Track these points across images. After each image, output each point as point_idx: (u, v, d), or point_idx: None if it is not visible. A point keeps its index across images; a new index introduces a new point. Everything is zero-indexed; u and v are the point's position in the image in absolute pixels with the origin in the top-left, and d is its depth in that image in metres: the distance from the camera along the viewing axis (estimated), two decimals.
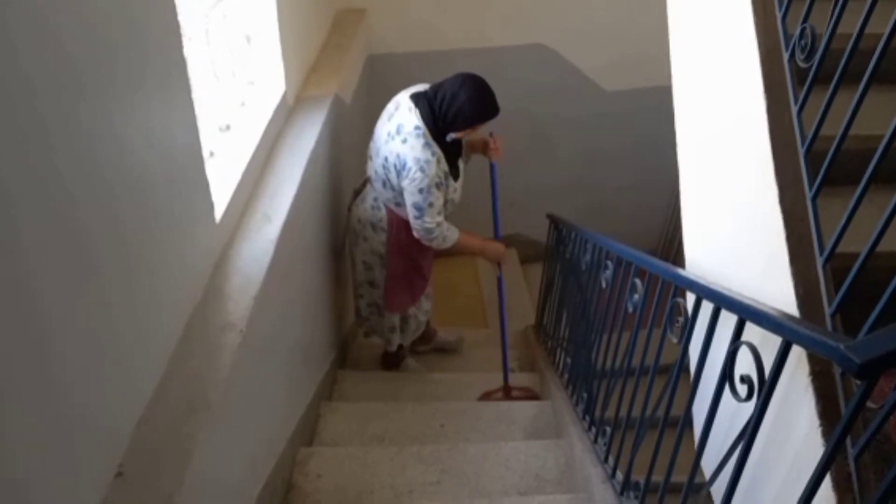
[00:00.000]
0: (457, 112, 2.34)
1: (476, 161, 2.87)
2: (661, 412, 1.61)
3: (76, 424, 1.03)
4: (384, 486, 2.25)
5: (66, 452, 1.00)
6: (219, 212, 1.67)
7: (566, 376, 2.78)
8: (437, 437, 2.63)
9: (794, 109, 1.38)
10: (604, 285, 2.18)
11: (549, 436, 2.65)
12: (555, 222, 3.28)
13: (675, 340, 1.52)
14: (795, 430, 1.16)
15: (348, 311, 3.30)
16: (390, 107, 2.50)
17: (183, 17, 1.39)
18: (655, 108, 3.36)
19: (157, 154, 1.29)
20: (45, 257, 0.92)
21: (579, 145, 4.66)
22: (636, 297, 1.79)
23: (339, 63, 3.06)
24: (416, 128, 2.37)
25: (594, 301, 2.40)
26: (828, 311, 1.19)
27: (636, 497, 1.77)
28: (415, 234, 2.53)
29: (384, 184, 2.53)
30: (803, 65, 1.32)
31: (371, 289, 2.90)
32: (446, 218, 2.56)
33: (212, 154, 1.72)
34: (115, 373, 1.16)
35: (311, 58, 2.97)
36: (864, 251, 1.07)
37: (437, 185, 2.40)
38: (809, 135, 1.31)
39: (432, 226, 2.46)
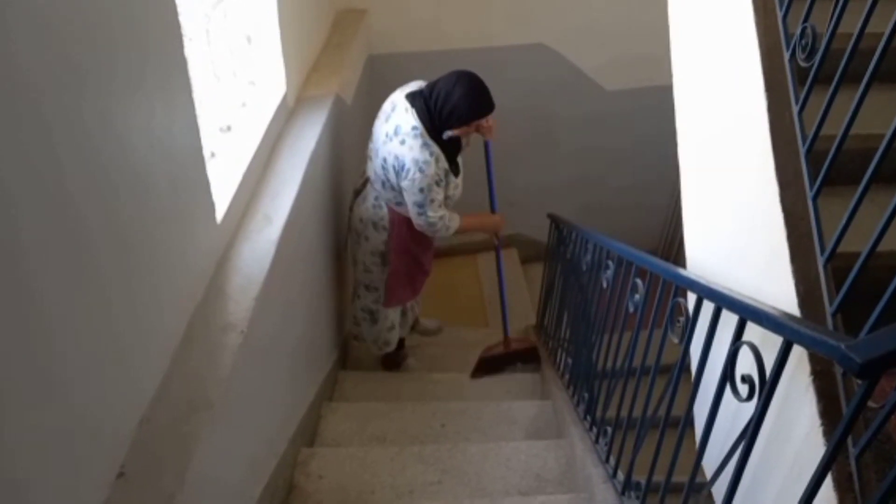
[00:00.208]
0: (452, 110, 2.36)
1: (473, 145, 2.88)
2: (662, 412, 1.61)
3: (77, 425, 1.03)
4: (385, 486, 2.25)
5: (68, 453, 1.01)
6: (220, 212, 1.67)
7: (567, 376, 2.78)
8: (438, 437, 2.63)
9: (795, 109, 1.38)
10: (605, 285, 2.18)
11: (550, 436, 2.65)
12: (555, 222, 3.28)
13: (675, 340, 1.52)
14: (796, 429, 1.16)
15: (348, 311, 3.31)
16: (387, 107, 2.51)
17: (183, 18, 1.39)
18: (656, 107, 3.36)
19: (158, 154, 1.29)
20: (45, 257, 0.92)
21: (580, 145, 4.66)
22: (637, 297, 1.79)
23: (340, 63, 3.06)
24: (414, 128, 2.38)
25: (595, 301, 2.40)
26: (829, 310, 1.19)
27: (637, 497, 1.77)
28: (418, 227, 2.57)
29: (384, 184, 2.55)
30: (804, 64, 1.32)
31: (367, 292, 2.91)
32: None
33: (213, 154, 1.72)
34: (116, 373, 1.16)
35: (312, 58, 2.98)
36: (864, 251, 1.07)
37: (437, 183, 2.44)
38: (810, 134, 1.31)
39: (435, 219, 2.51)
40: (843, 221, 1.14)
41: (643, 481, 1.73)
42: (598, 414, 2.21)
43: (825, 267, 1.23)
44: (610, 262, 2.13)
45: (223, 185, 1.74)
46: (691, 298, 1.47)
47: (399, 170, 2.42)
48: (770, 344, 1.12)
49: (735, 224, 1.60)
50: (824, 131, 1.26)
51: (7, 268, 0.84)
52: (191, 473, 1.21)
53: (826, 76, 1.25)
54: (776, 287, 1.28)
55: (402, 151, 2.39)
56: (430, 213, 2.48)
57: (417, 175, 2.38)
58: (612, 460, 2.01)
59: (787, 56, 1.43)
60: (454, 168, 2.56)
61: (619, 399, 1.99)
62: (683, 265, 1.80)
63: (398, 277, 2.83)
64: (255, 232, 1.83)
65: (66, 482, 1.01)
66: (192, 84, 1.45)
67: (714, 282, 1.37)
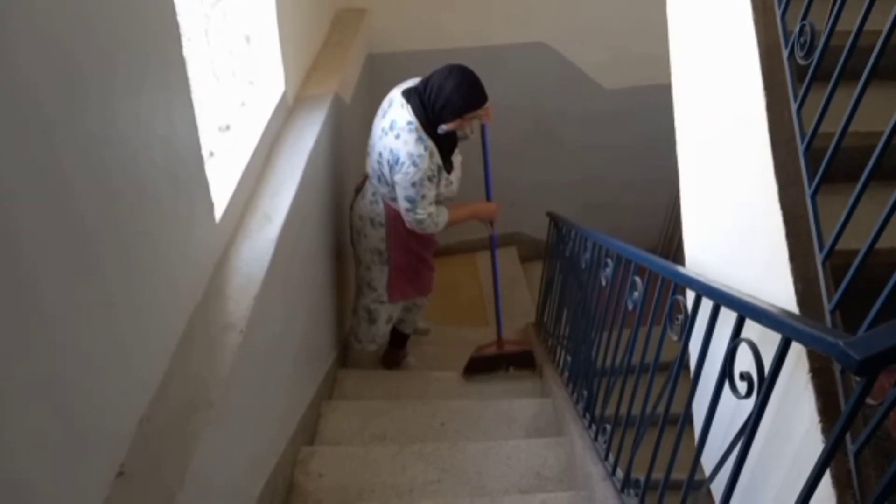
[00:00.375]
0: (445, 103, 2.38)
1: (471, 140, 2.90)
2: (661, 410, 1.61)
3: (77, 424, 1.03)
4: (385, 484, 2.25)
5: (67, 452, 1.01)
6: (219, 211, 1.67)
7: (566, 374, 2.78)
8: (438, 436, 2.63)
9: (794, 107, 1.38)
10: (604, 283, 2.18)
11: (550, 434, 2.65)
12: (555, 221, 3.28)
13: (674, 338, 1.52)
14: (795, 426, 1.16)
15: (349, 309, 3.31)
16: (384, 104, 2.54)
17: (182, 17, 1.39)
18: (655, 105, 3.36)
19: (157, 154, 1.29)
20: (45, 256, 0.92)
21: (579, 143, 4.66)
22: (636, 294, 1.79)
23: (339, 62, 3.06)
24: (409, 123, 2.41)
25: (594, 299, 2.41)
26: (827, 307, 1.19)
27: (636, 494, 1.78)
28: (407, 224, 2.58)
29: (380, 179, 2.57)
30: (803, 62, 1.32)
31: (369, 290, 2.92)
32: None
33: (212, 154, 1.72)
34: (115, 372, 1.16)
35: (311, 57, 2.97)
36: (863, 248, 1.07)
37: (430, 178, 2.45)
38: (809, 132, 1.31)
39: (423, 216, 2.51)
40: (842, 219, 1.14)
41: (642, 479, 1.74)
42: (598, 411, 2.21)
43: (824, 264, 1.23)
44: (609, 260, 2.13)
45: (222, 185, 1.74)
46: (690, 296, 1.47)
47: (394, 164, 2.44)
48: (769, 341, 1.12)
49: (734, 222, 1.60)
50: (823, 129, 1.26)
51: (7, 267, 0.84)
52: (191, 472, 1.21)
53: (825, 74, 1.25)
54: (775, 284, 1.28)
55: (397, 145, 2.42)
56: (419, 210, 2.49)
57: (411, 169, 2.40)
58: (612, 458, 2.01)
59: (785, 54, 1.43)
60: (448, 165, 2.58)
61: (618, 396, 1.99)
62: (683, 263, 1.81)
63: (401, 272, 2.83)
64: (254, 231, 1.83)
65: (65, 481, 1.01)
66: (190, 84, 1.45)
67: (713, 279, 1.37)
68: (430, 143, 2.44)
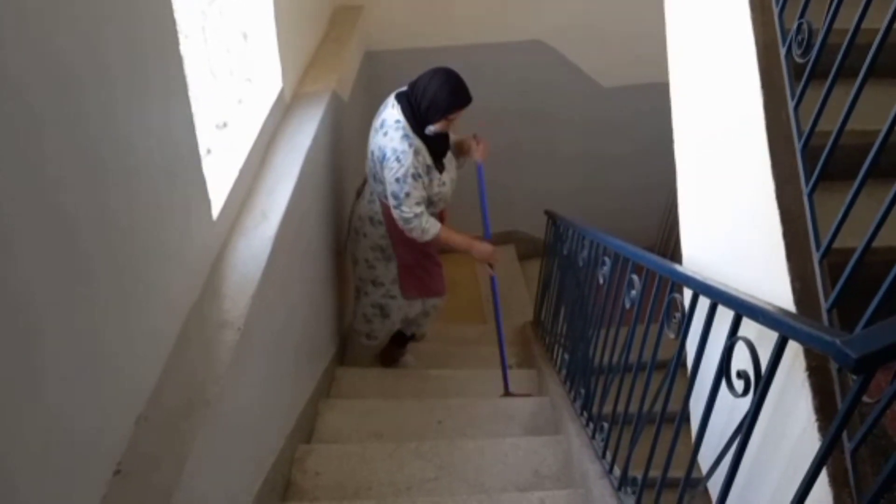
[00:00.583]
0: (430, 103, 2.46)
1: (467, 165, 2.94)
2: (658, 408, 1.61)
3: (74, 422, 1.03)
4: (382, 482, 2.25)
5: (64, 450, 1.00)
6: (216, 209, 1.67)
7: (564, 372, 2.78)
8: (436, 434, 2.63)
9: (791, 105, 1.38)
10: (601, 281, 2.18)
11: (548, 432, 2.65)
12: (552, 219, 3.28)
13: (672, 336, 1.52)
14: (792, 425, 1.17)
15: (348, 308, 3.31)
16: (381, 106, 2.62)
17: (179, 15, 1.38)
18: (653, 104, 3.36)
19: (154, 151, 1.29)
20: (41, 255, 0.92)
21: (576, 141, 4.66)
22: (633, 292, 1.79)
23: (337, 60, 3.05)
24: (397, 121, 2.49)
25: (592, 297, 2.41)
26: (824, 306, 1.19)
27: (633, 492, 1.78)
28: (397, 222, 2.60)
29: (374, 177, 2.64)
30: (800, 60, 1.32)
31: (375, 288, 2.93)
32: (433, 214, 2.64)
33: (209, 151, 1.71)
34: (112, 370, 1.16)
35: (309, 54, 2.97)
36: (860, 246, 1.07)
37: (415, 176, 2.49)
38: (806, 130, 1.31)
39: (410, 215, 2.53)
40: (839, 217, 1.14)
41: (639, 477, 1.74)
42: (595, 410, 2.21)
43: (821, 263, 1.23)
44: (606, 259, 2.13)
45: (219, 182, 1.74)
46: (687, 294, 1.47)
47: (381, 160, 2.52)
48: (766, 340, 1.12)
49: (731, 220, 1.60)
50: (821, 127, 1.26)
51: (7, 266, 0.84)
52: (188, 471, 1.21)
53: (822, 72, 1.25)
54: (772, 283, 1.29)
55: (384, 142, 2.50)
56: (404, 208, 2.52)
57: (395, 164, 2.47)
58: (609, 456, 2.01)
59: (783, 52, 1.43)
60: (439, 166, 2.61)
61: (615, 394, 1.99)
62: (680, 261, 1.81)
63: (409, 269, 2.86)
64: (251, 228, 1.83)
65: (63, 480, 1.01)
66: (188, 81, 1.44)
67: (710, 277, 1.37)
68: (417, 142, 2.50)
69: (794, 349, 1.14)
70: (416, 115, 2.49)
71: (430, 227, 2.58)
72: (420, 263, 2.87)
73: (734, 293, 1.23)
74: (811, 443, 1.08)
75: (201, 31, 1.77)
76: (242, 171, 1.92)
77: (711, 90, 1.76)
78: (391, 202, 2.55)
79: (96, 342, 1.09)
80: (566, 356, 2.81)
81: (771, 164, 1.35)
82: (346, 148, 3.12)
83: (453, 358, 3.56)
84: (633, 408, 1.81)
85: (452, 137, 2.78)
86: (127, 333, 1.21)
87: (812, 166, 1.28)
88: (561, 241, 3.01)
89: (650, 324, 1.74)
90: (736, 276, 1.42)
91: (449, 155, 2.71)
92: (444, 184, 2.64)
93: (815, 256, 1.24)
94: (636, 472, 1.78)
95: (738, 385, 1.19)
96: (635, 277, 1.79)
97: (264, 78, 2.30)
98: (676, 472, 1.48)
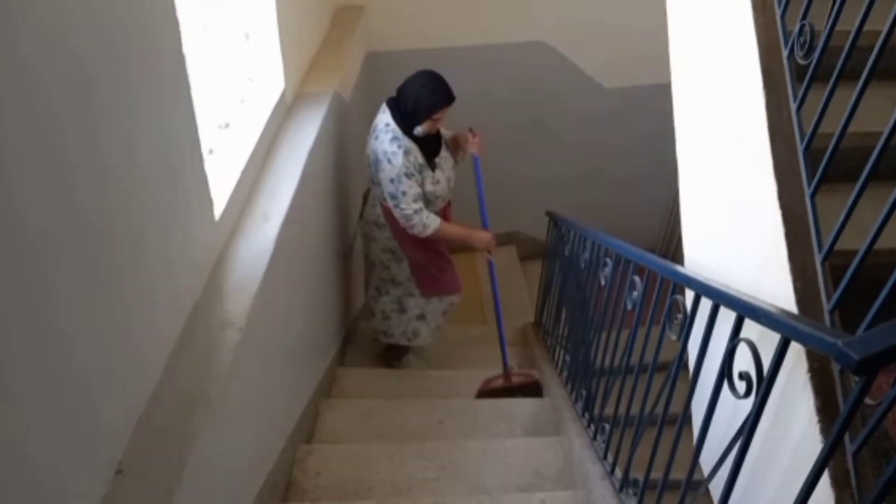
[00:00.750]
0: (415, 104, 2.55)
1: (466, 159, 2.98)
2: (659, 409, 1.61)
3: (76, 422, 1.03)
4: (383, 482, 2.25)
5: (67, 450, 1.01)
6: (218, 209, 1.67)
7: (565, 373, 2.78)
8: (437, 434, 2.63)
9: (793, 106, 1.38)
10: (603, 283, 2.18)
11: (549, 433, 2.65)
12: (554, 220, 3.28)
13: (673, 337, 1.52)
14: (794, 426, 1.16)
15: (350, 308, 3.31)
16: (378, 112, 2.69)
17: (182, 14, 1.39)
18: (654, 105, 3.36)
19: (156, 151, 1.29)
20: (49, 253, 0.92)
21: (578, 142, 4.66)
22: (635, 294, 1.79)
23: (338, 60, 3.05)
24: (387, 125, 2.59)
25: (593, 298, 2.41)
26: (826, 307, 1.19)
27: (635, 494, 1.77)
28: (399, 221, 2.67)
29: (373, 181, 2.71)
30: (802, 62, 1.32)
31: (394, 286, 3.01)
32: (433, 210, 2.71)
33: (211, 151, 1.71)
34: (115, 369, 1.16)
35: (310, 55, 2.97)
36: (862, 248, 1.07)
37: (408, 175, 2.57)
38: (808, 132, 1.31)
39: (409, 212, 2.61)
40: (841, 219, 1.14)
41: (641, 478, 1.74)
42: (596, 411, 2.21)
43: (823, 264, 1.23)
44: (608, 260, 2.13)
45: (221, 182, 1.74)
46: (689, 296, 1.47)
47: (374, 163, 2.61)
48: (768, 341, 1.12)
49: (733, 221, 1.60)
50: (822, 129, 1.26)
51: (12, 263, 0.84)
52: (189, 470, 1.21)
53: (824, 73, 1.25)
54: (774, 284, 1.28)
55: (375, 146, 2.60)
56: (403, 206, 2.60)
57: (387, 166, 2.56)
58: (610, 457, 2.01)
59: (785, 53, 1.43)
60: (432, 164, 2.68)
61: (616, 396, 1.99)
62: (682, 263, 1.80)
63: (422, 268, 2.92)
64: (253, 229, 1.83)
65: (65, 479, 1.01)
66: (190, 81, 1.45)
67: (712, 279, 1.37)
68: (407, 143, 2.57)
69: (795, 350, 1.14)
70: (405, 117, 2.58)
71: (430, 223, 2.65)
72: (432, 261, 2.93)
73: (736, 294, 1.23)
74: (813, 444, 1.08)
75: (204, 30, 1.77)
76: (244, 172, 1.92)
77: (713, 91, 1.76)
78: (390, 202, 2.63)
79: (101, 341, 1.09)
80: (567, 357, 2.81)
81: (773, 165, 1.35)
82: (349, 148, 3.12)
83: (454, 358, 3.55)
84: (635, 409, 1.81)
85: (447, 134, 2.85)
86: (130, 332, 1.21)
87: (814, 168, 1.28)
88: (562, 242, 3.01)
89: (652, 325, 1.74)
90: (738, 278, 1.42)
91: (443, 153, 2.77)
92: (437, 182, 2.71)
93: (818, 258, 1.24)
94: (638, 474, 1.78)
95: (740, 386, 1.19)
96: (637, 279, 1.79)
97: (266, 78, 2.30)
98: (678, 474, 1.48)
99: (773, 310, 1.11)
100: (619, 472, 1.93)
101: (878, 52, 1.08)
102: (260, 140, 2.10)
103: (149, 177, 1.26)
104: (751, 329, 1.17)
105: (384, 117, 2.61)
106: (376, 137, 2.60)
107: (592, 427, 2.23)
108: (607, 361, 2.13)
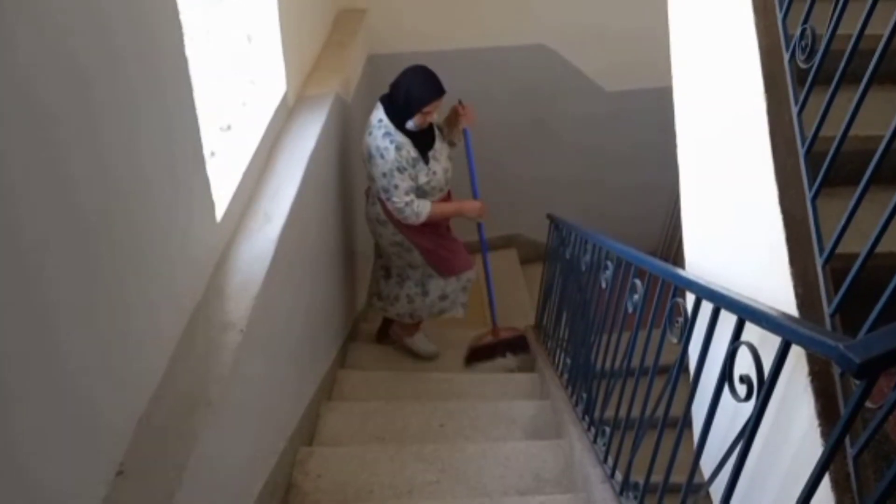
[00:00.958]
0: (406, 98, 2.60)
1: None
2: (660, 412, 1.61)
3: (77, 423, 1.03)
4: (384, 485, 2.25)
5: (67, 451, 1.01)
6: (220, 211, 1.67)
7: (566, 376, 2.78)
8: (437, 437, 2.63)
9: (795, 110, 1.38)
10: (603, 285, 2.18)
11: (549, 436, 2.65)
12: (555, 223, 3.29)
13: (674, 340, 1.52)
14: (794, 429, 1.16)
15: (352, 309, 3.32)
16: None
17: (184, 16, 1.39)
18: (656, 108, 3.36)
19: (157, 153, 1.29)
20: (48, 254, 0.93)
21: (579, 145, 4.66)
22: (636, 297, 1.79)
23: (340, 63, 3.06)
24: (379, 120, 2.65)
25: (594, 301, 2.41)
26: (827, 311, 1.19)
27: (635, 497, 1.77)
28: (392, 213, 2.74)
29: (369, 176, 2.76)
30: (803, 65, 1.32)
31: (413, 270, 3.08)
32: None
33: (213, 154, 1.72)
34: (115, 370, 1.16)
35: (313, 57, 2.98)
36: (863, 251, 1.07)
37: (399, 169, 2.63)
38: (809, 135, 1.31)
39: (401, 205, 2.68)
40: (842, 222, 1.14)
41: (641, 481, 1.74)
42: (597, 414, 2.21)
43: (824, 268, 1.23)
44: (609, 263, 2.13)
45: (223, 184, 1.74)
46: (690, 299, 1.47)
47: (368, 159, 2.67)
48: (768, 344, 1.12)
49: (734, 225, 1.60)
50: (823, 132, 1.27)
51: (11, 264, 0.84)
52: (190, 471, 1.21)
53: (825, 77, 1.25)
54: (775, 287, 1.29)
55: (369, 141, 2.66)
56: (395, 199, 2.67)
57: (379, 161, 2.62)
58: (611, 460, 2.01)
59: (786, 57, 1.43)
60: (425, 158, 2.73)
61: (617, 399, 1.99)
62: (683, 266, 1.81)
63: (433, 253, 2.98)
64: (254, 230, 1.83)
65: (66, 480, 1.01)
66: (192, 83, 1.45)
67: (712, 282, 1.37)
68: (400, 138, 2.63)
69: (796, 354, 1.14)
70: (397, 112, 2.63)
71: (421, 211, 2.73)
72: (440, 245, 2.99)
73: (737, 298, 1.23)
74: (813, 448, 1.08)
75: (206, 32, 1.77)
76: (246, 174, 1.92)
77: (714, 95, 1.76)
78: (383, 196, 2.71)
79: (101, 341, 1.10)
80: (568, 360, 2.81)
81: (774, 168, 1.35)
82: (350, 150, 3.12)
83: (455, 361, 3.55)
84: (636, 412, 1.81)
85: (438, 120, 2.89)
86: (131, 333, 1.21)
87: (815, 171, 1.28)
88: (563, 244, 3.01)
89: (652, 328, 1.74)
90: (738, 281, 1.42)
91: (438, 145, 2.81)
92: (434, 173, 2.76)
93: (818, 261, 1.24)
94: (638, 477, 1.78)
95: (741, 390, 1.19)
96: (638, 282, 1.79)
97: (268, 80, 2.30)
98: (678, 477, 1.48)
99: (773, 313, 1.11)
100: (619, 476, 1.93)
101: (879, 56, 1.08)
102: (262, 142, 2.10)
103: (150, 178, 1.26)
104: (752, 332, 1.17)
105: (377, 113, 2.66)
106: (370, 133, 2.66)
107: (593, 430, 2.23)
108: (608, 364, 2.13)
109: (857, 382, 0.90)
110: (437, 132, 2.84)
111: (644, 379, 1.75)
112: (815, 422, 1.10)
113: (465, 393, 3.10)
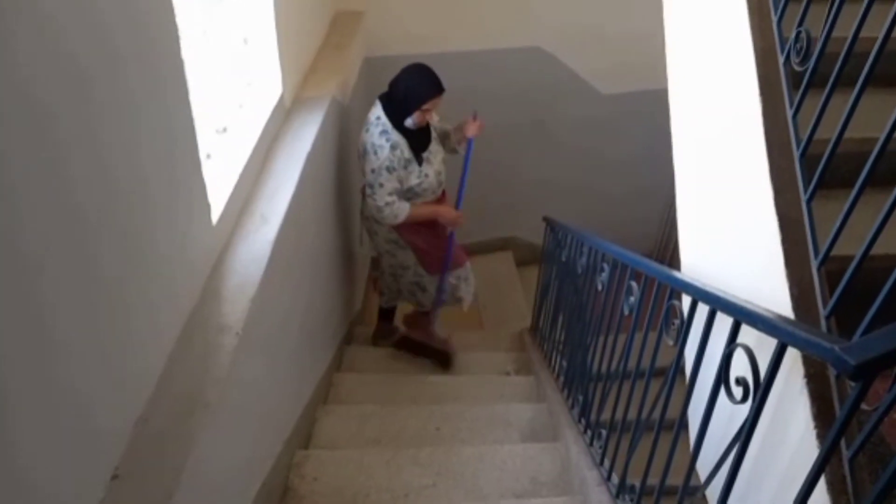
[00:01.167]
0: (404, 96, 2.61)
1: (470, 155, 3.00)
2: (656, 415, 1.61)
3: (73, 426, 1.03)
4: (380, 488, 2.24)
5: (63, 454, 1.00)
6: (216, 213, 1.67)
7: (562, 379, 2.78)
8: (434, 440, 2.62)
9: (790, 112, 1.38)
10: (600, 288, 2.18)
11: (546, 438, 2.65)
12: (551, 225, 3.29)
13: (670, 343, 1.52)
14: (790, 432, 1.17)
15: (349, 312, 3.31)
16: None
17: (181, 19, 1.39)
18: (651, 111, 3.37)
19: (154, 155, 1.29)
20: (46, 256, 0.92)
21: (576, 147, 4.67)
22: (632, 299, 1.79)
23: (337, 65, 3.06)
24: (377, 118, 2.66)
25: (590, 304, 2.41)
26: (823, 313, 1.20)
27: (632, 500, 1.77)
28: (371, 211, 2.74)
29: (363, 172, 2.76)
30: (798, 68, 1.32)
31: (405, 270, 3.10)
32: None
33: (209, 156, 1.71)
34: (112, 373, 1.15)
35: (309, 59, 2.98)
36: (858, 254, 1.07)
37: (388, 169, 2.63)
38: (804, 138, 1.31)
39: (381, 204, 2.68)
40: (837, 225, 1.15)
41: (638, 484, 1.74)
42: (593, 417, 2.21)
43: (819, 270, 1.23)
44: (605, 265, 2.13)
45: (219, 186, 1.74)
46: (686, 301, 1.47)
47: (362, 154, 2.68)
48: (764, 346, 1.12)
49: (730, 227, 1.60)
50: (819, 135, 1.27)
51: (9, 265, 0.84)
52: (187, 474, 1.21)
53: (820, 80, 1.26)
54: (771, 290, 1.29)
55: (365, 138, 2.67)
56: (377, 197, 2.67)
57: (372, 157, 2.63)
58: (607, 463, 2.01)
59: (781, 60, 1.44)
60: (419, 159, 2.74)
61: (613, 401, 1.99)
62: (679, 268, 1.81)
63: (426, 252, 3.00)
64: (251, 232, 1.83)
65: (61, 483, 1.01)
66: (188, 85, 1.45)
67: (709, 284, 1.37)
68: (396, 138, 2.63)
69: (792, 356, 1.14)
70: (396, 109, 2.63)
71: (400, 212, 2.74)
72: (433, 244, 3.00)
73: (733, 300, 1.23)
74: (809, 450, 1.08)
75: (203, 34, 1.77)
76: (242, 176, 1.92)
77: (710, 97, 1.77)
78: (367, 191, 2.70)
79: (98, 344, 1.09)
80: (564, 363, 2.81)
81: (769, 171, 1.35)
82: (347, 152, 3.12)
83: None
84: (632, 415, 1.81)
85: (442, 127, 2.93)
86: (128, 335, 1.21)
87: (810, 174, 1.28)
88: (560, 247, 3.01)
89: (649, 330, 1.75)
90: (734, 283, 1.42)
91: (433, 147, 2.82)
92: (426, 175, 2.77)
93: (814, 263, 1.24)
94: (634, 480, 1.78)
95: (737, 392, 1.19)
96: (634, 284, 1.80)
97: (264, 82, 2.30)
98: (675, 480, 1.48)
99: (769, 315, 1.11)
100: (615, 478, 1.93)
101: (873, 59, 1.09)
102: (258, 144, 2.10)
103: (147, 180, 1.26)
104: (748, 334, 1.18)
105: (375, 111, 2.68)
106: (367, 130, 2.68)
107: (589, 433, 2.23)
108: (604, 367, 2.13)
109: (853, 384, 0.90)
110: (433, 134, 2.85)
111: (640, 381, 1.75)
112: (811, 424, 1.10)
113: (462, 396, 3.09)
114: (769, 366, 1.10)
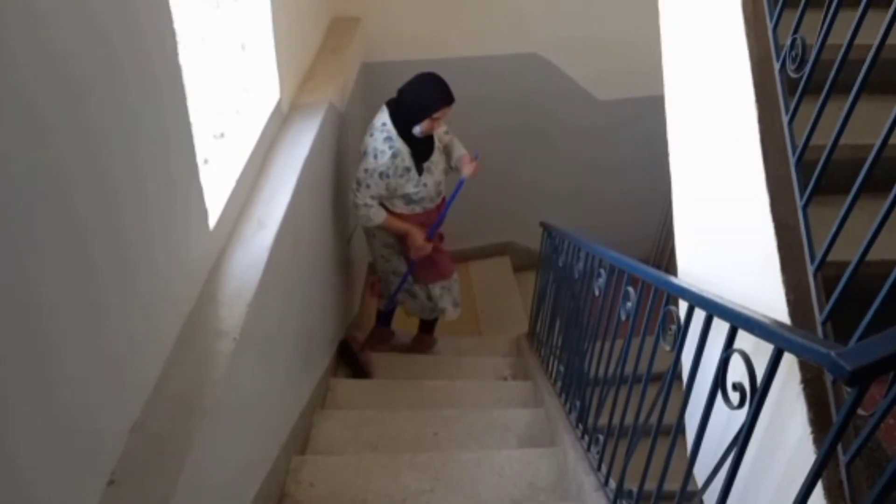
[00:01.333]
0: (415, 104, 2.64)
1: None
2: (653, 420, 1.61)
3: (69, 431, 1.02)
4: (378, 494, 2.24)
5: (59, 459, 1.00)
6: (213, 218, 1.67)
7: (559, 384, 2.78)
8: (431, 445, 2.62)
9: (785, 119, 1.39)
10: (597, 293, 2.19)
11: (544, 444, 2.64)
12: (548, 230, 3.29)
13: (667, 348, 1.52)
14: (787, 437, 1.17)
15: (346, 316, 3.31)
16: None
17: (179, 24, 1.39)
18: (648, 117, 3.38)
19: (152, 161, 1.29)
20: (43, 260, 0.92)
21: (572, 153, 4.68)
22: (629, 304, 1.79)
23: (334, 71, 3.06)
24: (383, 124, 2.69)
25: (587, 309, 2.41)
26: (819, 318, 1.20)
27: None
28: (349, 203, 2.80)
29: (358, 168, 2.79)
30: (794, 75, 1.33)
31: (396, 277, 3.16)
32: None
33: (206, 161, 1.71)
34: (108, 378, 1.15)
35: (306, 65, 2.98)
36: (854, 259, 1.08)
37: (381, 175, 2.68)
38: (800, 144, 1.32)
39: (360, 203, 2.75)
40: (833, 230, 1.15)
41: (635, 489, 1.74)
42: (590, 422, 2.21)
43: (815, 276, 1.24)
44: (602, 271, 2.14)
45: (216, 192, 1.74)
46: (683, 306, 1.47)
47: (363, 155, 2.72)
48: (761, 352, 1.13)
49: (726, 233, 1.61)
50: (814, 141, 1.28)
51: (9, 271, 0.84)
52: (183, 479, 1.20)
53: (816, 86, 1.27)
54: (767, 295, 1.29)
55: (369, 142, 2.71)
56: (359, 195, 2.73)
57: (370, 159, 2.67)
58: (605, 468, 2.01)
59: (777, 67, 1.44)
60: (419, 168, 2.77)
61: (611, 407, 1.99)
62: (675, 273, 1.81)
63: (418, 261, 3.04)
64: (248, 237, 1.83)
65: (56, 488, 1.00)
66: (186, 90, 1.45)
67: (705, 290, 1.37)
68: (399, 146, 2.66)
69: (788, 361, 1.15)
70: (404, 116, 2.65)
71: (375, 217, 2.79)
72: (428, 255, 3.02)
73: (729, 305, 1.23)
74: (806, 455, 1.08)
75: (200, 40, 1.77)
76: (240, 181, 1.92)
77: (706, 104, 1.77)
78: (353, 185, 2.75)
79: (95, 348, 1.09)
80: (561, 368, 2.81)
81: (765, 177, 1.36)
82: (344, 158, 3.13)
83: (448, 368, 3.55)
84: (629, 420, 1.81)
85: (446, 139, 2.96)
86: (125, 340, 1.20)
87: (806, 180, 1.29)
88: (556, 252, 3.02)
89: (645, 336, 1.75)
90: (731, 289, 1.42)
91: (435, 157, 2.84)
92: (425, 185, 2.79)
93: (810, 269, 1.25)
94: (632, 485, 1.78)
95: (734, 397, 1.19)
96: (631, 289, 1.80)
97: (262, 88, 2.31)
98: (672, 485, 1.48)
99: (766, 321, 1.11)
100: (613, 484, 1.93)
101: (868, 66, 1.10)
102: (255, 149, 2.10)
103: (144, 185, 1.26)
104: (744, 340, 1.18)
105: (382, 116, 2.69)
106: (371, 134, 2.70)
107: (586, 438, 2.23)
108: (601, 372, 2.13)
109: (849, 390, 0.90)
110: (436, 143, 2.86)
111: (637, 387, 1.75)
112: (808, 429, 1.10)
113: (459, 401, 3.09)
114: (766, 371, 1.10)
